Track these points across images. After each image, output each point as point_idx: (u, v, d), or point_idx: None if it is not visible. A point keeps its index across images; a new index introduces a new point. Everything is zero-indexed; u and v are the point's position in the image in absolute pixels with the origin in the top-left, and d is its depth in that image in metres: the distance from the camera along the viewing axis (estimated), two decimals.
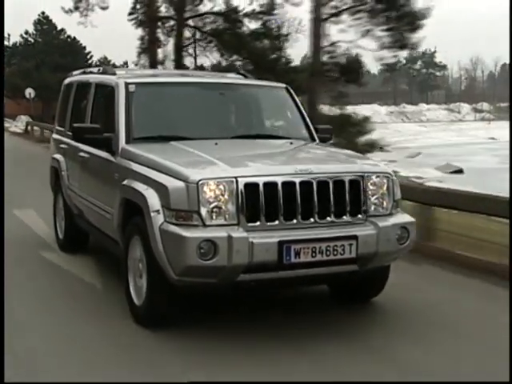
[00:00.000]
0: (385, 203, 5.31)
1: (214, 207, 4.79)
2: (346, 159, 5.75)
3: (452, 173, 29.99)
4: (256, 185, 4.84)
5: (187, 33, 26.89)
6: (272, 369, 4.54)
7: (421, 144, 51.43)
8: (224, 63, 25.58)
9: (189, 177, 4.82)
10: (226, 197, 4.80)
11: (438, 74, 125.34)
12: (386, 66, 21.35)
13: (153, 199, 4.98)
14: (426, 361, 4.72)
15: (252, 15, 24.95)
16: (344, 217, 5.09)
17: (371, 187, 5.24)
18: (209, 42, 27.16)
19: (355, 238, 4.96)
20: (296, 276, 4.97)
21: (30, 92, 41.98)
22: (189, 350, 4.84)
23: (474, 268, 7.30)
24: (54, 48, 56.35)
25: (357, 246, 4.95)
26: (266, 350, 4.83)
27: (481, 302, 6.22)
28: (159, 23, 27.43)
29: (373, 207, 5.24)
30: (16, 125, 45.86)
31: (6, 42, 52.49)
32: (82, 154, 6.87)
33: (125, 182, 5.54)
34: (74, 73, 8.35)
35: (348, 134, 17.47)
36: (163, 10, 27.44)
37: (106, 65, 29.79)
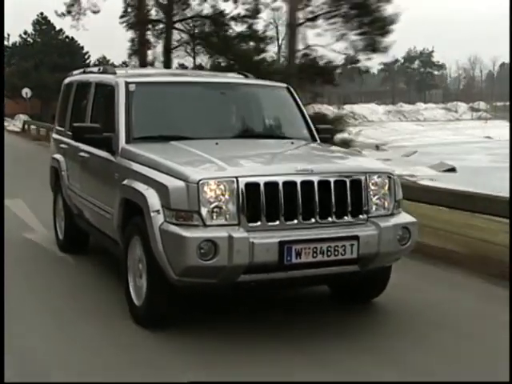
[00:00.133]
0: (386, 203, 5.30)
1: (214, 207, 4.77)
2: (347, 159, 5.74)
3: (445, 171, 30.20)
4: (257, 185, 4.82)
5: (177, 35, 28.13)
6: (272, 369, 4.52)
7: (417, 143, 51.64)
8: (210, 64, 26.90)
9: (189, 176, 4.80)
10: (226, 197, 4.79)
11: (436, 73, 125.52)
12: (361, 68, 22.86)
13: (153, 199, 4.96)
14: (426, 361, 4.71)
15: (238, 18, 26.03)
16: (345, 217, 5.07)
17: (373, 187, 5.23)
18: (196, 45, 28.31)
19: (356, 238, 4.94)
20: (297, 276, 4.95)
21: (26, 92, 42.85)
22: (189, 351, 4.83)
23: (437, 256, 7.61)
24: (52, 48, 56.60)
25: (358, 247, 4.93)
26: (266, 351, 4.82)
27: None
28: (149, 26, 28.60)
29: (374, 207, 5.23)
30: (14, 124, 46.13)
31: (5, 42, 52.73)
32: (81, 153, 6.85)
33: (125, 182, 5.52)
34: (74, 72, 8.32)
35: None
36: (153, 13, 28.85)
37: (105, 64, 30.28)
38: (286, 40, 22.43)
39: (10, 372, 4.28)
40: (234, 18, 26.40)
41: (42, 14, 59.17)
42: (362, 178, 5.17)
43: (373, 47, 21.18)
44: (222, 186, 4.78)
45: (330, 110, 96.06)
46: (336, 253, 4.87)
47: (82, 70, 8.20)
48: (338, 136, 18.54)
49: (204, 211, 4.74)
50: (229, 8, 26.56)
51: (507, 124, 70.07)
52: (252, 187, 4.81)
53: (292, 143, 6.23)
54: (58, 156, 8.00)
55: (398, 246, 5.20)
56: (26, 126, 38.15)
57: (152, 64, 27.74)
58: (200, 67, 27.77)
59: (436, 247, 7.96)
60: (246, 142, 6.22)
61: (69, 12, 30.53)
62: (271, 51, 25.75)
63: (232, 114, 6.77)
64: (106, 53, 66.10)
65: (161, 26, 28.48)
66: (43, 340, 5.09)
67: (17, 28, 72.01)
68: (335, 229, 5.01)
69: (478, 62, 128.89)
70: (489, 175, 26.44)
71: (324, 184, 4.99)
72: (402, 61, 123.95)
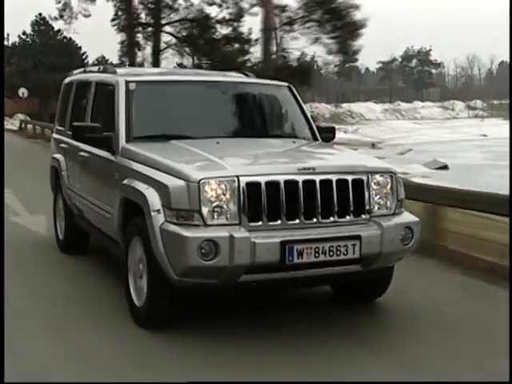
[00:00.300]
0: (388, 203, 5.26)
1: (215, 207, 4.74)
2: (349, 158, 5.71)
3: (437, 169, 30.39)
4: (258, 184, 4.79)
5: (166, 37, 30.01)
6: (273, 369, 4.50)
7: (413, 141, 51.84)
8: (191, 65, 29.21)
9: (190, 176, 4.77)
10: (227, 196, 4.76)
11: (434, 71, 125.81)
12: (337, 70, 26.58)
13: (153, 198, 4.93)
14: (426, 361, 4.70)
15: (223, 22, 27.95)
16: (347, 216, 5.04)
17: (375, 186, 5.19)
18: (183, 47, 29.97)
19: (359, 238, 4.91)
20: (299, 277, 4.92)
21: (23, 91, 43.83)
22: (189, 351, 4.80)
23: None
24: (50, 48, 57.14)
25: (360, 247, 4.90)
26: (267, 351, 4.79)
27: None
28: (140, 29, 30.40)
29: (376, 207, 5.20)
30: (12, 122, 46.75)
31: (5, 42, 53.12)
32: (82, 153, 6.81)
33: (125, 182, 5.49)
34: (75, 72, 8.28)
35: None
36: (143, 16, 30.78)
37: (104, 64, 30.96)
38: (261, 44, 24.21)
39: (9, 372, 4.26)
40: (219, 22, 28.06)
41: (40, 14, 59.62)
42: (364, 177, 5.14)
43: (344, 50, 23.09)
44: (223, 186, 4.75)
45: (327, 108, 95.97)
46: (338, 253, 4.84)
47: (82, 70, 8.15)
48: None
49: (205, 211, 4.71)
50: (214, 12, 28.45)
51: (503, 122, 70.48)
52: (253, 186, 4.78)
53: (294, 142, 6.20)
54: (58, 156, 7.96)
55: (400, 245, 5.17)
56: (23, 125, 39.34)
57: (141, 65, 28.94)
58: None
59: None
60: (247, 141, 6.18)
61: (61, 16, 32.58)
62: (256, 53, 26.98)
63: (233, 113, 6.72)
64: (103, 53, 66.37)
65: (150, 28, 30.11)
66: (43, 340, 5.07)
67: (16, 28, 72.90)
68: (337, 228, 4.97)
69: (476, 60, 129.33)
70: (479, 173, 26.62)
71: (326, 183, 4.95)
72: (400, 59, 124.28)
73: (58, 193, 8.01)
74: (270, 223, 4.81)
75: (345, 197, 5.02)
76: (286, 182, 4.84)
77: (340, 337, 5.13)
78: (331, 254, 4.82)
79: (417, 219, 5.40)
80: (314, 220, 4.93)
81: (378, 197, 5.21)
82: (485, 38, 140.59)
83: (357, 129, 66.48)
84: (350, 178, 5.06)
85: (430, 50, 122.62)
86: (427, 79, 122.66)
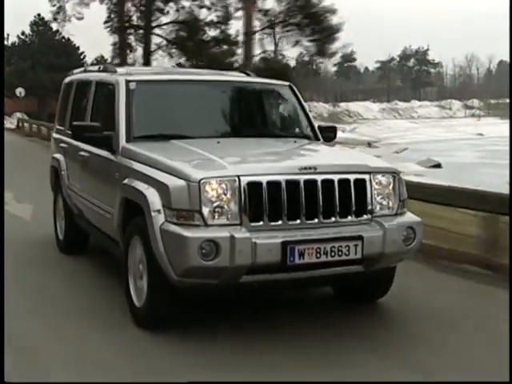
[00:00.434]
0: (391, 203, 5.24)
1: (216, 207, 4.71)
2: (350, 158, 5.68)
3: (431, 167, 30.52)
4: (259, 184, 4.76)
5: (157, 39, 31.00)
6: (273, 370, 4.49)
7: (410, 140, 52.08)
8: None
9: (190, 175, 4.74)
10: (228, 196, 4.73)
11: (432, 70, 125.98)
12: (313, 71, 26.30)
13: (153, 198, 4.90)
14: (427, 361, 4.69)
15: (212, 24, 29.14)
16: (349, 217, 5.02)
17: (377, 186, 5.17)
18: (173, 49, 30.84)
19: (360, 238, 4.88)
20: (300, 277, 4.90)
21: (20, 91, 44.85)
22: (190, 352, 4.78)
23: None
24: (49, 48, 57.35)
25: (362, 247, 4.87)
26: (268, 352, 4.78)
27: None
28: (132, 31, 31.42)
29: (378, 207, 5.17)
30: (11, 121, 47.08)
31: (5, 42, 53.32)
32: (82, 153, 6.78)
33: (125, 181, 5.46)
34: (75, 71, 8.24)
35: None
36: (135, 19, 31.83)
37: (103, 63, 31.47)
38: (242, 46, 25.89)
39: (9, 372, 4.22)
40: (208, 24, 29.24)
41: (39, 15, 59.87)
42: (366, 177, 5.11)
43: (323, 53, 24.69)
44: (223, 185, 4.73)
45: (325, 108, 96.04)
46: (340, 253, 4.81)
47: (82, 69, 8.12)
48: None
49: (205, 211, 4.68)
50: (203, 14, 29.55)
51: (500, 121, 70.69)
52: (254, 186, 4.75)
53: (295, 142, 6.18)
54: (57, 155, 7.92)
55: (402, 246, 5.14)
56: (21, 124, 40.48)
57: (133, 66, 29.55)
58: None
59: None
60: (247, 140, 6.15)
61: (55, 19, 33.90)
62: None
63: (234, 112, 6.71)
64: (102, 53, 66.58)
65: (141, 31, 31.05)
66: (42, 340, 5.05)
67: (15, 28, 73.24)
68: (339, 229, 4.95)
69: (474, 59, 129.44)
70: (472, 171, 26.76)
71: (327, 183, 4.92)
72: (398, 59, 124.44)
73: (58, 192, 7.97)
74: (271, 223, 4.79)
75: (347, 197, 4.99)
76: (288, 182, 4.82)
77: (342, 337, 5.11)
78: (333, 254, 4.80)
79: (419, 219, 5.37)
80: (316, 220, 4.90)
81: (380, 197, 5.18)
82: (481, 37, 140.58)
83: (354, 128, 66.70)
84: (351, 177, 5.03)
85: (428, 50, 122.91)
86: (425, 78, 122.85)
